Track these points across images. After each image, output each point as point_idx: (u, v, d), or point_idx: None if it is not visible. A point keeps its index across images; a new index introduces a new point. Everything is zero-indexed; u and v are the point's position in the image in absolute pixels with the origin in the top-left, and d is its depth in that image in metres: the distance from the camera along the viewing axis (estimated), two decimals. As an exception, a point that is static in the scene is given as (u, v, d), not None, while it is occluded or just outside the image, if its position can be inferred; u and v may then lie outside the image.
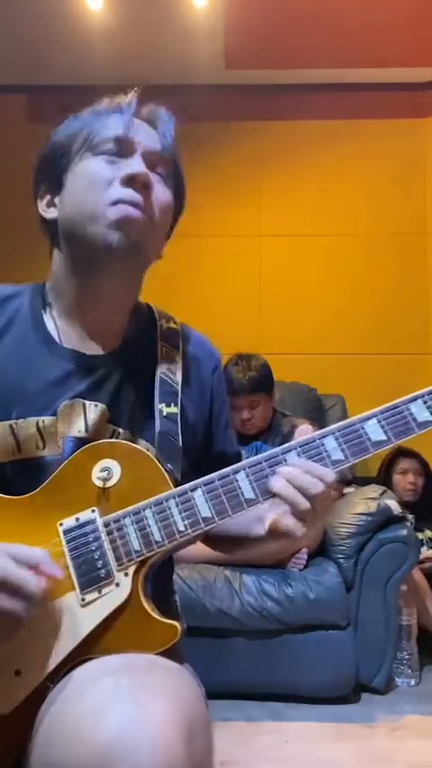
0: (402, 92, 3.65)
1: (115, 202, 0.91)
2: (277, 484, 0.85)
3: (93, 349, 0.98)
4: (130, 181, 0.92)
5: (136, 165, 0.93)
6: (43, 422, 0.91)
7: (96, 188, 0.92)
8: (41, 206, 1.00)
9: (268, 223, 3.68)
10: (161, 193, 0.97)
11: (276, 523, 0.89)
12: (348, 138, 3.68)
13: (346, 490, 2.82)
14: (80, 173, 0.95)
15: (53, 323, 0.98)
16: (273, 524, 0.91)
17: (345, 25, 3.21)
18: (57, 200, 0.98)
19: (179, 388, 1.00)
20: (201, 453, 1.03)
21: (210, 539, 1.08)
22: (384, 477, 3.09)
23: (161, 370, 1.00)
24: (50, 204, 0.99)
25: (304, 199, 3.68)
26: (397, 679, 2.47)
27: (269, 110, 3.66)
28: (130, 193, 0.92)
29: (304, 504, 0.83)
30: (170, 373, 1.00)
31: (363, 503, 2.47)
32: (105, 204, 0.91)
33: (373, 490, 2.56)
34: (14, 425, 0.90)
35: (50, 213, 0.99)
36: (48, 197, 1.00)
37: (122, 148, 0.95)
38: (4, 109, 3.66)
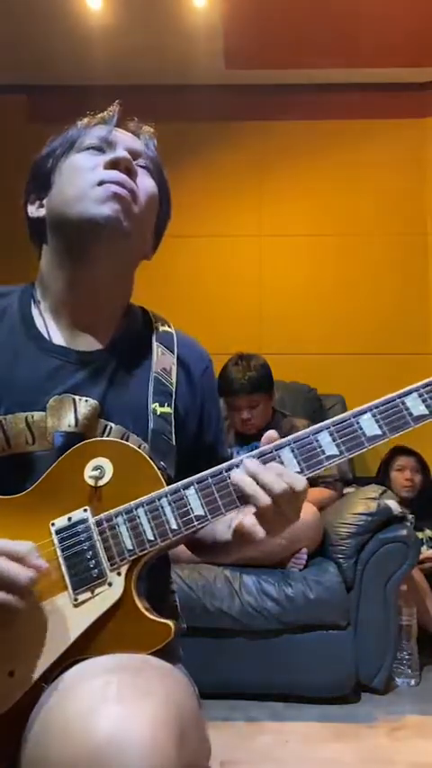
0: (402, 92, 3.64)
1: (100, 183, 0.93)
2: (238, 476, 0.82)
3: (83, 345, 0.98)
4: (114, 164, 0.94)
5: (119, 152, 0.96)
6: (32, 417, 0.91)
7: (81, 174, 0.95)
8: (31, 210, 1.02)
9: (268, 223, 3.68)
10: (146, 181, 0.99)
11: (240, 526, 0.87)
12: (348, 137, 3.67)
13: (347, 490, 2.82)
14: (66, 168, 0.97)
15: (42, 320, 0.99)
16: (238, 527, 0.89)
17: (345, 25, 3.20)
18: (45, 200, 1.00)
19: (174, 389, 1.00)
20: (191, 455, 1.03)
21: (188, 542, 1.07)
22: (382, 476, 3.10)
23: (156, 371, 1.00)
24: (40, 206, 1.01)
25: (304, 199, 3.68)
26: (397, 679, 2.46)
27: (269, 110, 3.66)
28: (114, 174, 0.94)
29: (265, 499, 0.80)
30: (165, 374, 1.00)
31: (363, 503, 2.46)
32: (91, 186, 0.93)
33: (373, 490, 2.55)
34: (3, 421, 0.90)
35: (39, 212, 1.01)
36: (37, 201, 1.01)
37: (105, 144, 0.98)
38: (4, 109, 3.66)
